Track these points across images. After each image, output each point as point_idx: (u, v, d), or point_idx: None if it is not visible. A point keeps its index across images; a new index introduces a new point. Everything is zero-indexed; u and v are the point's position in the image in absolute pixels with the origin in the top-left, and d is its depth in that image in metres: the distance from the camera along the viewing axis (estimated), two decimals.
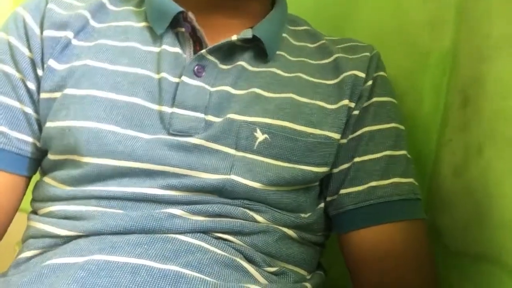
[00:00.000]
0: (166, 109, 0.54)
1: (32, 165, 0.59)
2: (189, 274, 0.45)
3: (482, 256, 0.55)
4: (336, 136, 0.57)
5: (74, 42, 0.57)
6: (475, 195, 0.57)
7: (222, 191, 0.52)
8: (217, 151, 0.53)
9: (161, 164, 0.51)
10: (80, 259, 0.46)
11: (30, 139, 0.58)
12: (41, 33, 0.57)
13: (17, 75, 0.57)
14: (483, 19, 0.59)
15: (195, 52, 0.57)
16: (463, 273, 0.58)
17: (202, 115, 0.54)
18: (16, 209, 0.59)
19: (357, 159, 0.57)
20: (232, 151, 0.53)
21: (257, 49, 0.59)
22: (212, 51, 0.56)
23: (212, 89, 0.55)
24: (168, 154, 0.52)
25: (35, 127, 0.58)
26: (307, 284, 0.53)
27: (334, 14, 0.77)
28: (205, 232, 0.50)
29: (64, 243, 0.50)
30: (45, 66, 0.56)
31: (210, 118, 0.54)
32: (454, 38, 0.67)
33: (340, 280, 0.67)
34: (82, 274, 0.43)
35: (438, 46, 0.68)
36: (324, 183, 0.60)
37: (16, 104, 0.57)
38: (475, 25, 0.62)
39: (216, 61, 0.57)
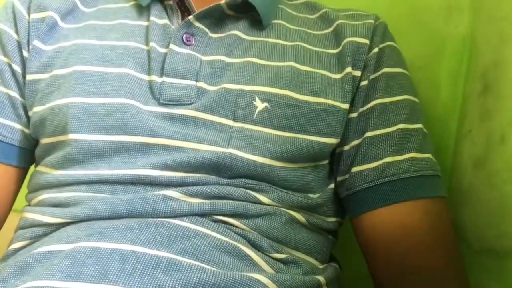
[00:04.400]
0: (156, 78, 0.52)
1: (22, 155, 0.56)
2: (184, 262, 0.40)
3: (508, 252, 0.51)
4: (342, 105, 0.53)
5: (62, 24, 0.56)
6: (500, 187, 0.53)
7: (220, 168, 0.48)
8: (213, 122, 0.50)
9: (153, 135, 0.48)
10: (66, 247, 0.42)
11: (17, 126, 0.56)
12: (29, 15, 0.56)
13: (3, 59, 0.56)
14: None
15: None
16: (490, 272, 0.54)
17: (193, 82, 0.51)
18: (9, 201, 0.57)
19: (368, 134, 0.53)
20: (229, 122, 0.50)
21: (251, 19, 0.56)
22: (200, 18, 0.54)
23: (204, 58, 0.53)
24: (160, 125, 0.49)
25: (21, 112, 0.55)
26: (320, 278, 0.48)
27: None
28: (203, 215, 0.46)
29: (52, 231, 0.46)
30: (30, 47, 0.55)
31: (202, 85, 0.51)
32: (471, 22, 0.63)
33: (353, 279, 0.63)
34: (67, 263, 0.40)
35: (455, 31, 0.64)
36: (335, 162, 0.56)
37: (0, 88, 0.55)
38: (494, 7, 0.59)
39: (206, 29, 0.54)
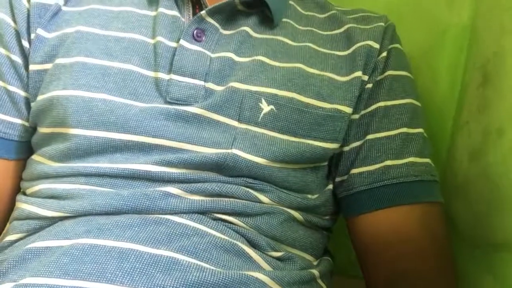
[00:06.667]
0: (163, 75, 0.50)
1: (22, 148, 0.55)
2: (183, 260, 0.40)
3: (503, 245, 0.51)
4: (348, 110, 0.53)
5: (64, 8, 0.54)
6: (495, 180, 0.53)
7: (222, 167, 0.48)
8: (218, 122, 0.49)
9: (156, 136, 0.48)
10: (64, 243, 0.42)
11: (17, 121, 0.54)
12: (28, 1, 0.53)
13: (1, 50, 0.53)
14: None
15: (194, 15, 0.53)
16: (481, 263, 0.54)
17: (201, 83, 0.50)
18: (13, 194, 0.55)
19: (370, 136, 0.53)
20: (234, 123, 0.49)
21: (262, 15, 0.55)
22: (212, 13, 0.52)
23: (213, 55, 0.52)
24: (164, 125, 0.48)
25: (22, 106, 0.54)
26: (314, 271, 0.49)
27: None
28: (203, 213, 0.46)
29: (50, 225, 0.46)
30: (32, 36, 0.53)
31: (210, 85, 0.51)
32: (473, 12, 0.62)
33: (346, 267, 0.63)
34: (65, 260, 0.39)
35: (456, 21, 0.64)
36: (334, 162, 0.56)
37: None
38: None
39: (217, 25, 0.53)
